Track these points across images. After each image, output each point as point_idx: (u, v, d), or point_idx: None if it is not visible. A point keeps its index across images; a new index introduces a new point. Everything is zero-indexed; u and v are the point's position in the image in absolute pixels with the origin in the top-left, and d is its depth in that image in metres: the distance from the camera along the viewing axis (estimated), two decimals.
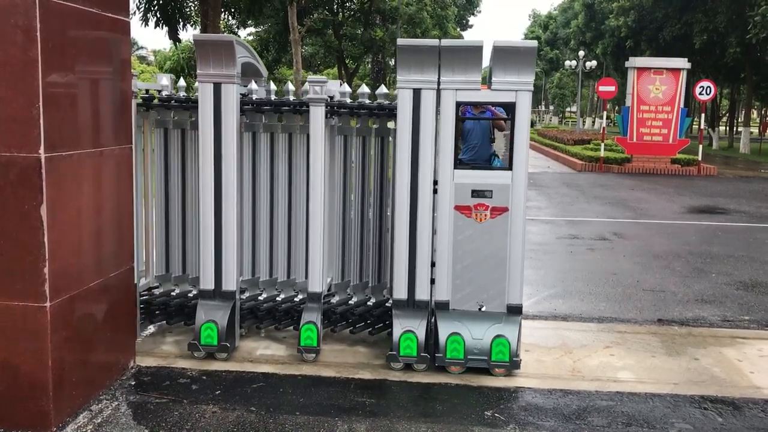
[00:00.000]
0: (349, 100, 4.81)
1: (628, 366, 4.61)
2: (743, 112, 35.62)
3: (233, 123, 4.57)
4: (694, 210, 12.91)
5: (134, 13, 20.80)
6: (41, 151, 3.38)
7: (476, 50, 4.20)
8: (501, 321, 4.34)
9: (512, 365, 4.29)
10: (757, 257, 8.62)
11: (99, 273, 3.95)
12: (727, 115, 44.09)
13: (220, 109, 4.57)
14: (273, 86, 5.02)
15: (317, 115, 4.57)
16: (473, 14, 44.93)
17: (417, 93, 4.30)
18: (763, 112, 41.27)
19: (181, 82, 5.10)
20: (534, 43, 4.21)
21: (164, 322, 5.05)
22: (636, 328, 5.53)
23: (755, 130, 36.31)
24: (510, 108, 4.25)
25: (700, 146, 21.06)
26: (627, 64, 20.91)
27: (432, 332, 4.44)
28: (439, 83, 4.27)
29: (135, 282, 4.59)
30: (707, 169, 20.44)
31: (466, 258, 4.37)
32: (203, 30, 19.85)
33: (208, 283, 4.70)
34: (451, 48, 4.20)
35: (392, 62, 38.52)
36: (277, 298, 5.07)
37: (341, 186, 4.93)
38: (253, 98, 4.90)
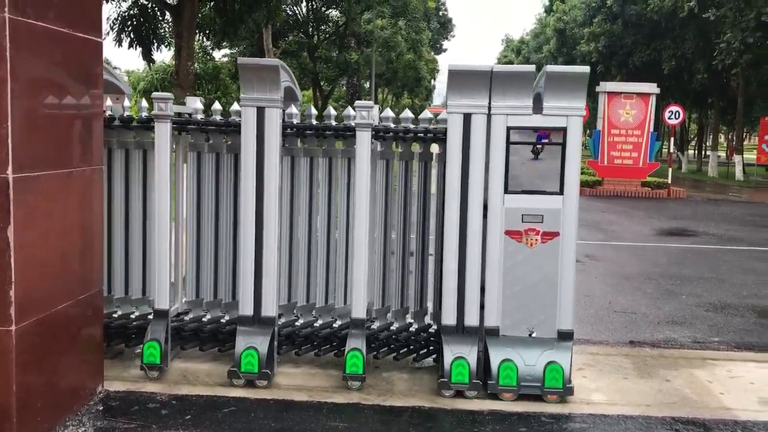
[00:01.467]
0: (392, 125, 4.78)
1: (601, 388, 4.59)
2: (711, 136, 36.55)
3: (276, 147, 4.51)
4: (665, 232, 13.12)
5: (107, 33, 20.59)
6: (9, 171, 3.31)
7: (528, 75, 4.22)
8: (552, 347, 4.32)
9: (566, 391, 4.26)
10: (727, 279, 8.76)
11: (67, 295, 3.87)
12: (696, 139, 45.22)
13: (263, 134, 4.51)
14: (314, 110, 4.98)
15: (363, 139, 4.54)
16: (447, 38, 45.60)
17: (467, 118, 4.30)
18: (729, 136, 42.42)
19: (216, 105, 5.02)
20: (586, 69, 4.24)
21: (197, 348, 4.91)
22: (608, 350, 5.55)
23: (723, 154, 37.26)
24: (561, 133, 4.26)
25: (670, 169, 21.51)
26: (598, 88, 21.19)
27: (481, 359, 4.39)
28: (489, 108, 4.27)
29: (102, 305, 4.42)
30: (677, 192, 20.84)
31: (516, 283, 4.35)
32: (177, 52, 19.75)
33: (247, 308, 4.60)
34: (503, 73, 4.21)
35: (366, 85, 38.73)
36: (315, 324, 4.98)
37: (383, 210, 4.88)
38: (294, 122, 4.85)
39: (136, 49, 21.35)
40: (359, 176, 4.53)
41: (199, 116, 4.93)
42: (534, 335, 4.36)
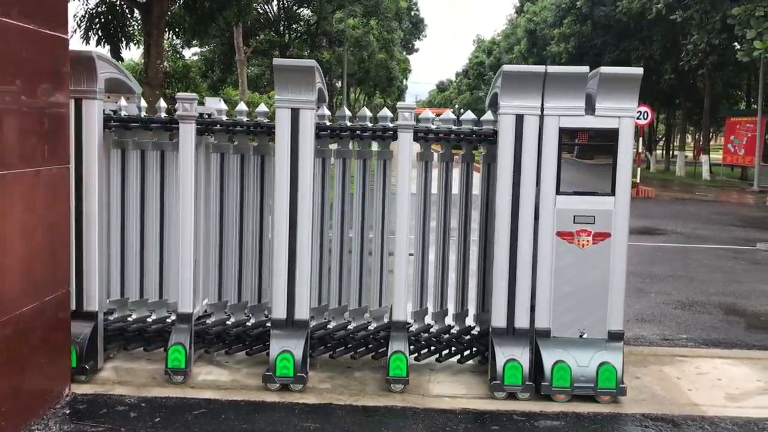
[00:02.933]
0: (432, 126, 4.73)
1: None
2: (678, 136, 37.32)
3: (310, 149, 4.45)
4: (634, 231, 13.28)
5: (75, 30, 20.09)
6: None
7: (581, 76, 4.22)
8: (604, 348, 4.32)
9: (618, 391, 4.27)
10: (695, 277, 8.94)
11: (32, 297, 3.80)
12: (664, 139, 46.10)
13: (297, 136, 4.44)
14: (347, 112, 4.91)
15: (405, 141, 4.50)
16: (419, 38, 45.69)
17: (520, 119, 4.28)
18: (697, 136, 43.37)
19: (242, 106, 4.93)
20: (640, 70, 4.26)
21: (224, 351, 4.83)
22: None
23: (690, 154, 38.06)
24: (613, 134, 4.27)
25: (639, 169, 21.87)
26: None
27: (532, 361, 4.37)
28: (542, 109, 4.26)
29: (69, 307, 4.35)
30: (645, 191, 21.19)
31: (567, 284, 4.35)
32: (146, 50, 19.38)
33: (280, 311, 4.53)
34: (557, 74, 4.21)
35: (339, 84, 38.58)
36: (349, 326, 4.91)
37: (422, 212, 4.84)
38: (327, 123, 4.77)
39: (104, 46, 20.82)
40: (400, 178, 4.49)
41: (224, 117, 4.82)
42: (585, 336, 4.36)
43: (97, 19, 19.91)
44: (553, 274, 4.34)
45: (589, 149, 4.34)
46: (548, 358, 4.29)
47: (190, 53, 36.24)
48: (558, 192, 4.30)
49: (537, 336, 4.38)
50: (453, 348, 4.80)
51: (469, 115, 4.76)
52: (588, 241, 4.30)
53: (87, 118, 4.48)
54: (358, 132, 4.78)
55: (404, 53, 46.32)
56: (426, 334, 4.80)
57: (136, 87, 5.18)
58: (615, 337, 4.35)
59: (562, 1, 34.22)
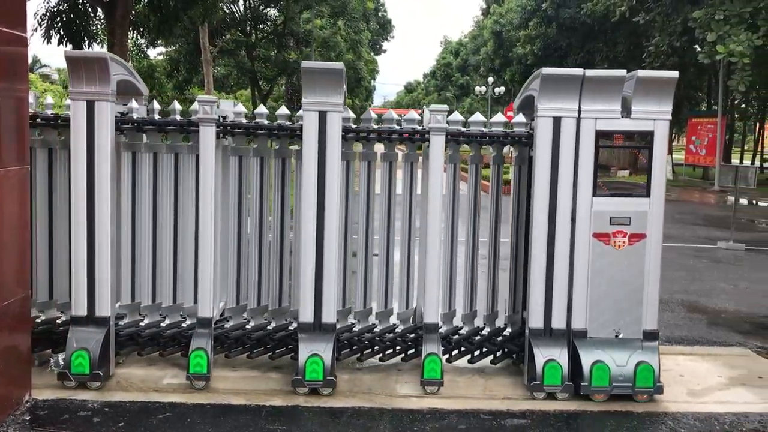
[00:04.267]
0: (461, 128, 4.73)
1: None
2: None
3: (337, 152, 4.44)
4: None
5: (35, 29, 19.60)
6: None
7: (619, 80, 4.27)
8: (640, 347, 4.38)
9: (656, 390, 4.33)
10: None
11: None
12: None
13: (324, 138, 4.40)
14: (373, 114, 4.88)
15: (438, 143, 4.51)
16: (387, 39, 45.74)
17: (557, 121, 4.31)
18: None
19: (261, 109, 4.87)
20: (675, 74, 4.32)
21: (246, 356, 4.77)
22: None
23: None
24: (649, 137, 4.33)
25: None
26: None
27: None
28: (579, 112, 4.30)
29: (29, 311, 4.30)
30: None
31: (603, 285, 4.39)
32: (109, 49, 19.00)
33: (307, 315, 4.51)
34: (596, 77, 4.25)
35: None
36: (376, 329, 4.90)
37: (451, 214, 4.84)
38: (352, 126, 4.75)
39: (66, 45, 20.32)
40: (433, 180, 4.50)
41: (243, 120, 4.76)
42: (620, 336, 4.41)
43: (58, 18, 19.42)
44: (590, 275, 4.38)
45: (625, 151, 4.38)
46: (586, 358, 4.33)
47: (156, 53, 35.69)
48: (595, 194, 4.34)
49: (574, 336, 4.41)
50: (485, 349, 4.81)
51: (499, 117, 4.78)
52: (624, 242, 4.35)
53: (99, 120, 4.38)
54: (385, 134, 4.75)
55: (372, 54, 46.32)
56: (456, 336, 4.81)
57: (144, 88, 5.08)
58: (650, 336, 4.41)
59: (528, 3, 34.64)
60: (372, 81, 50.86)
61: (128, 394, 4.27)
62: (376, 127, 4.81)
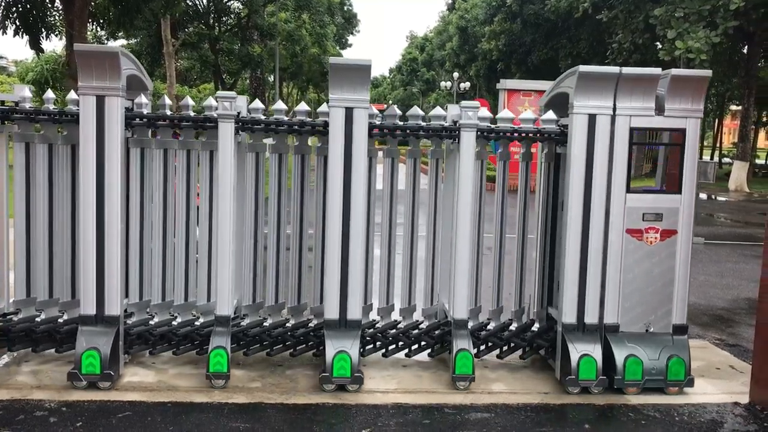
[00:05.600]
0: (487, 125, 4.73)
1: (502, 377, 4.70)
2: None
3: (363, 148, 4.42)
4: None
5: None
6: None
7: (654, 78, 4.32)
8: (670, 341, 4.47)
9: (687, 383, 4.42)
10: None
11: None
12: None
13: (351, 135, 4.39)
14: (397, 110, 4.85)
15: (469, 140, 4.51)
16: (352, 33, 45.55)
17: (593, 118, 4.35)
18: None
19: (280, 105, 4.79)
20: (708, 72, 4.39)
21: (265, 353, 4.74)
22: None
23: None
24: (681, 134, 4.40)
25: None
26: (498, 86, 21.76)
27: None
28: (614, 109, 4.35)
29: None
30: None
31: (635, 280, 4.46)
32: (68, 41, 18.48)
33: (332, 311, 4.50)
34: (631, 75, 4.29)
35: (271, 78, 38.00)
36: (399, 325, 4.89)
37: (477, 209, 4.84)
38: (377, 122, 4.71)
39: (22, 37, 19.80)
40: (463, 177, 4.51)
41: (261, 116, 4.69)
42: (651, 330, 4.48)
43: (14, 8, 18.85)
44: (623, 270, 4.44)
45: (657, 148, 4.44)
46: (620, 352, 4.40)
47: (116, 45, 34.87)
48: (628, 190, 4.40)
49: (606, 331, 4.47)
50: (512, 344, 4.84)
51: (528, 114, 4.80)
52: (656, 237, 4.42)
53: (109, 116, 4.27)
54: (412, 131, 4.72)
55: (338, 48, 46.06)
56: (484, 332, 4.83)
57: (149, 83, 4.96)
58: (680, 330, 4.50)
59: None
60: None
61: (87, 393, 4.16)
62: (401, 123, 4.78)
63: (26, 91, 4.65)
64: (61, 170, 4.68)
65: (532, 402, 4.29)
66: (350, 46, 47.60)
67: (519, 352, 4.89)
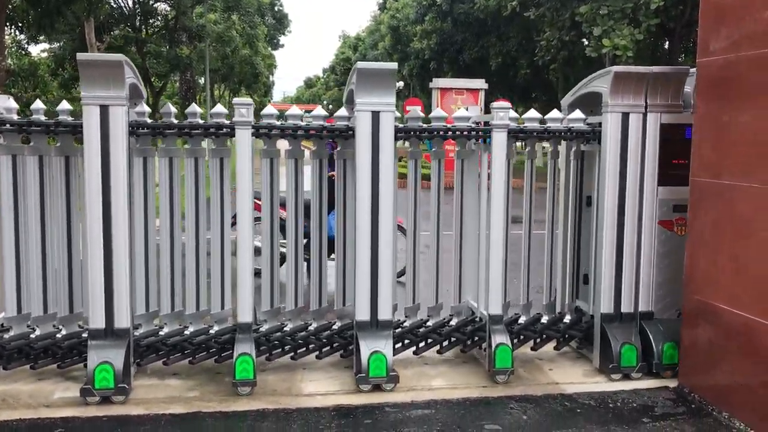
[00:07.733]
0: (513, 124, 4.85)
1: (441, 373, 4.79)
2: None
3: (390, 152, 4.47)
4: None
5: None
6: None
7: (683, 76, 4.55)
8: None
9: None
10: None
11: None
12: None
13: (378, 139, 4.43)
14: (420, 113, 4.91)
15: (501, 140, 4.64)
16: (284, 34, 44.95)
17: (626, 116, 4.55)
18: None
19: (295, 109, 4.79)
20: None
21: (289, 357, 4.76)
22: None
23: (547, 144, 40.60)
24: None
25: None
26: (431, 85, 22.04)
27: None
28: (646, 107, 4.55)
29: None
30: (513, 182, 22.44)
31: (667, 269, 4.68)
32: None
33: (363, 313, 4.55)
34: (661, 74, 4.51)
35: (201, 80, 37.19)
36: (428, 323, 4.97)
37: (504, 207, 4.96)
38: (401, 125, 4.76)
39: None
40: (496, 177, 4.63)
41: (276, 121, 4.67)
42: (681, 316, 4.71)
43: None
44: (656, 260, 4.66)
45: (686, 142, 4.65)
46: (657, 338, 4.61)
47: (39, 50, 33.41)
48: (659, 183, 4.62)
49: (641, 318, 4.68)
50: (545, 335, 4.99)
51: (555, 113, 4.95)
52: (685, 228, 4.65)
53: (113, 125, 4.19)
54: (439, 133, 4.80)
55: (269, 49, 45.52)
56: (516, 326, 4.96)
57: (143, 91, 4.85)
58: None
59: None
60: (270, 76, 50.09)
61: (15, 411, 3.99)
62: (424, 125, 4.84)
63: (11, 102, 4.47)
64: (54, 182, 4.53)
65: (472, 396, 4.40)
66: (282, 46, 47.61)
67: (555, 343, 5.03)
